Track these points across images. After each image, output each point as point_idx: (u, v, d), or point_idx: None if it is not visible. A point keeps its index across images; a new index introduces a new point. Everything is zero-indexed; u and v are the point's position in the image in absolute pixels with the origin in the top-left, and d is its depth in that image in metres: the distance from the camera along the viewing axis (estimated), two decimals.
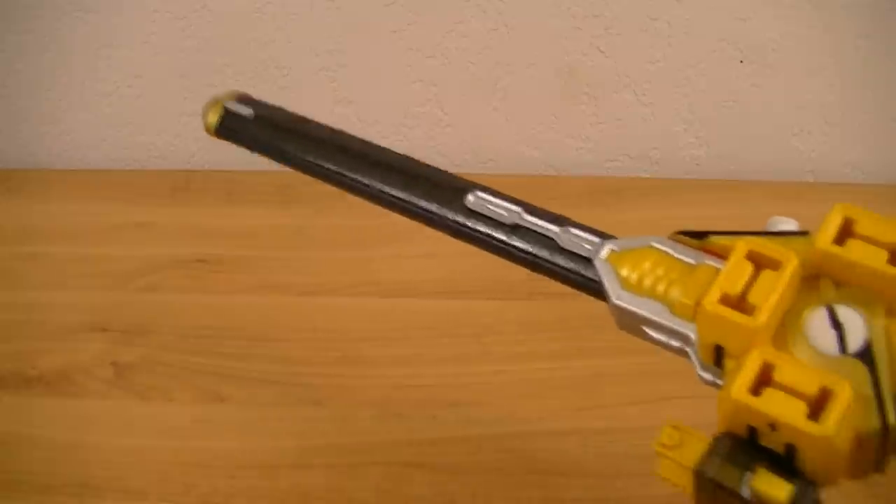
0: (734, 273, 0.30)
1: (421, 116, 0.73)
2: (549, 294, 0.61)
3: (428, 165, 0.37)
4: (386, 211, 0.37)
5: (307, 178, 0.39)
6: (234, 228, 0.69)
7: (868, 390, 0.28)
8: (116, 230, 0.70)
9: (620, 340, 0.62)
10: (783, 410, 0.27)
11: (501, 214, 0.35)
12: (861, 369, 0.28)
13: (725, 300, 0.29)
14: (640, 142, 0.73)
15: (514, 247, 0.35)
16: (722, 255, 0.31)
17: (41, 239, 0.70)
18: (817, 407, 0.27)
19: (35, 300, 0.65)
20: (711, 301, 0.29)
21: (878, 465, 0.28)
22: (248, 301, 0.64)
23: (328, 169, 0.38)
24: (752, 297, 0.29)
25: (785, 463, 0.27)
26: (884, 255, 0.29)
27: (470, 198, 0.36)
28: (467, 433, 0.55)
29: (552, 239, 0.34)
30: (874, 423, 0.27)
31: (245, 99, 0.41)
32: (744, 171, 0.72)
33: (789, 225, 0.32)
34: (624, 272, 0.32)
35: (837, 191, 0.68)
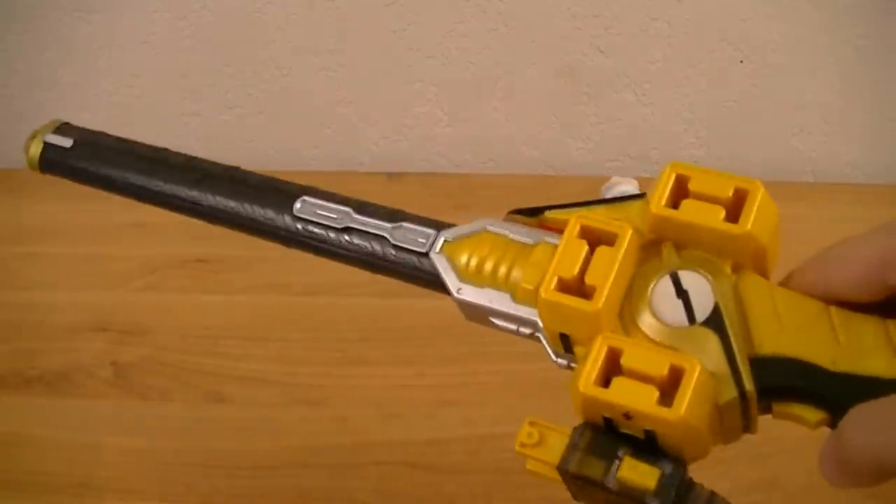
0: (568, 255, 0.28)
1: (421, 116, 0.73)
2: None
3: (254, 174, 0.36)
4: None
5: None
6: None
7: (722, 359, 0.27)
8: (116, 230, 0.70)
9: None
10: (634, 399, 0.26)
11: (331, 217, 0.34)
12: (712, 337, 0.27)
13: (562, 285, 0.28)
14: (640, 142, 0.73)
15: (346, 249, 0.34)
16: (562, 231, 0.29)
17: (41, 239, 0.70)
18: (669, 388, 0.26)
19: (35, 300, 0.65)
20: (547, 289, 0.28)
21: (747, 427, 0.28)
22: (248, 301, 0.64)
23: (152, 189, 0.37)
24: (590, 278, 0.28)
25: (648, 446, 0.27)
26: (720, 212, 0.28)
27: (297, 204, 0.34)
28: (466, 433, 0.55)
29: (384, 237, 0.33)
30: (731, 392, 0.26)
31: (65, 128, 0.39)
32: (744, 171, 0.72)
33: (627, 187, 0.31)
34: (462, 260, 0.31)
35: (837, 191, 0.68)
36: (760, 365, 0.27)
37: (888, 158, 0.72)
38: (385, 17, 0.69)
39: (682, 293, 0.28)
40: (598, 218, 0.29)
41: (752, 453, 0.51)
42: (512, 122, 0.73)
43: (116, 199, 0.72)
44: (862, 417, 0.25)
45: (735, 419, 0.27)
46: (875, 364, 0.26)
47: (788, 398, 0.27)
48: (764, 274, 0.28)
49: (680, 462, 0.26)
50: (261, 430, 0.56)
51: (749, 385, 0.26)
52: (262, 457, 0.55)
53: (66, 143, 0.39)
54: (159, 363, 0.60)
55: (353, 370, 0.59)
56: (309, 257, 0.67)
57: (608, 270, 0.28)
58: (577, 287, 0.28)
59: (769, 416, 0.28)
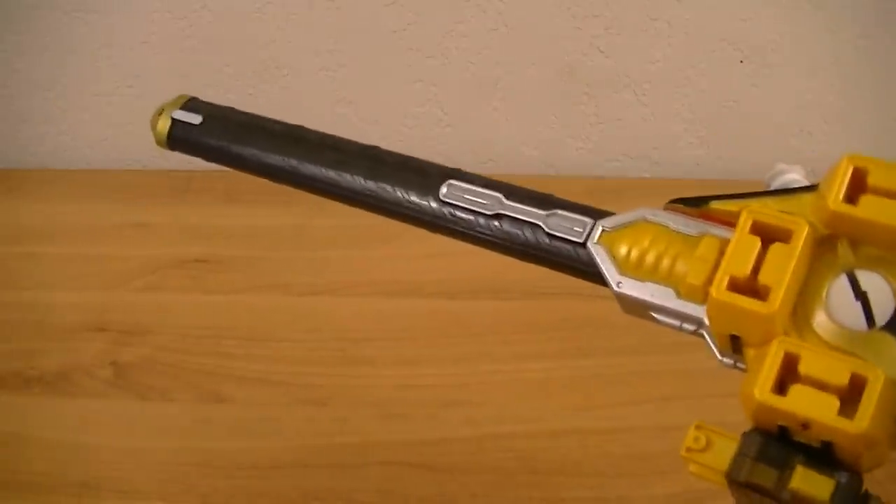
0: (740, 252, 0.27)
1: (421, 116, 0.73)
2: (549, 294, 0.61)
3: (396, 154, 0.34)
4: None
5: None
6: (234, 228, 0.69)
7: None
8: (116, 230, 0.70)
9: (620, 340, 0.62)
10: (813, 408, 0.24)
11: (480, 203, 0.32)
12: (893, 343, 0.25)
13: (734, 285, 0.26)
14: (640, 142, 0.73)
15: (497, 237, 0.32)
16: (725, 222, 0.28)
17: (41, 239, 0.70)
18: (850, 398, 0.24)
19: (35, 300, 0.65)
20: (719, 288, 0.26)
21: None
22: (248, 301, 0.64)
23: (287, 169, 0.35)
24: (764, 278, 0.26)
25: (823, 456, 0.25)
26: None
27: (443, 188, 0.33)
28: (467, 433, 0.55)
29: (538, 224, 0.31)
30: None
31: (193, 104, 0.38)
32: (744, 171, 0.72)
33: (794, 176, 0.29)
34: (622, 252, 0.30)
35: None
36: None
37: (888, 158, 0.71)
38: (385, 17, 0.69)
39: (860, 294, 0.26)
40: (770, 213, 0.27)
41: None
42: (512, 122, 0.73)
43: (116, 199, 0.72)
44: None
45: None
46: None
47: None
48: None
49: (855, 472, 0.25)
50: (261, 430, 0.56)
51: None
52: (262, 457, 0.55)
53: (195, 119, 0.37)
54: (159, 363, 0.60)
55: (354, 370, 0.59)
56: (309, 257, 0.67)
57: (783, 269, 0.26)
58: (750, 286, 0.26)
59: None
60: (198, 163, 0.39)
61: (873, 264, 0.27)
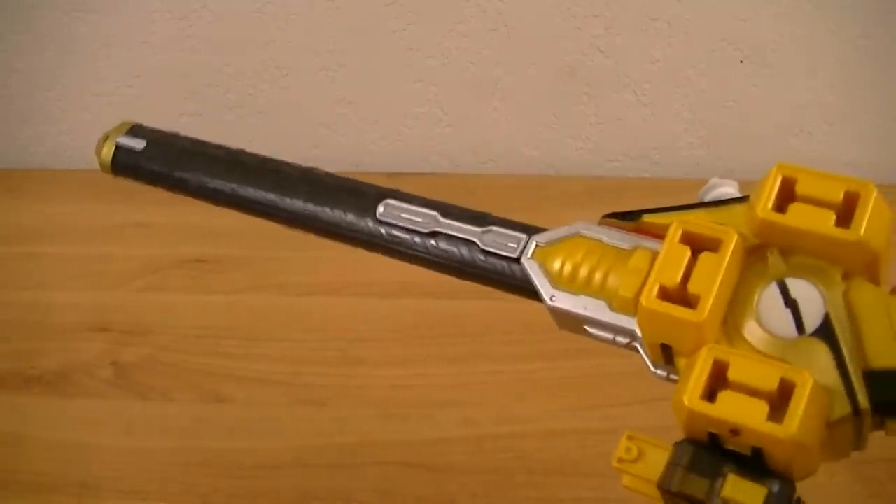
0: (670, 261, 0.27)
1: (421, 116, 0.73)
2: None
3: (333, 176, 0.35)
4: None
5: None
6: (234, 228, 0.69)
7: (833, 372, 0.25)
8: (116, 230, 0.70)
9: None
10: (742, 414, 0.25)
11: (416, 221, 0.33)
12: (822, 349, 0.26)
13: (664, 294, 0.27)
14: (640, 142, 0.73)
15: (434, 255, 0.32)
16: (659, 235, 0.28)
17: (41, 239, 0.70)
18: (779, 403, 0.25)
19: (35, 300, 0.65)
20: (649, 297, 0.27)
21: (858, 444, 0.26)
22: (248, 301, 0.64)
23: (227, 192, 0.36)
24: (693, 287, 0.26)
25: (754, 463, 0.25)
26: (830, 217, 0.26)
27: (380, 208, 0.33)
28: (466, 433, 0.55)
29: (473, 241, 0.32)
30: (844, 408, 0.25)
31: (137, 129, 0.38)
32: (744, 171, 0.72)
33: (727, 189, 0.29)
34: (556, 266, 0.30)
35: None
36: (875, 378, 0.25)
37: (888, 158, 0.72)
38: (385, 17, 0.69)
39: (790, 302, 0.26)
40: (700, 223, 0.27)
41: None
42: (512, 122, 0.73)
43: (116, 199, 0.72)
44: None
45: (846, 436, 0.26)
46: None
47: None
48: (875, 282, 0.27)
49: (787, 480, 0.25)
50: (261, 430, 0.56)
51: (863, 400, 0.25)
52: (262, 457, 0.55)
53: (139, 144, 0.38)
54: (159, 363, 0.60)
55: (354, 370, 0.59)
56: (309, 257, 0.67)
57: (713, 278, 0.26)
58: (680, 295, 0.27)
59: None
60: None
61: (804, 272, 0.27)
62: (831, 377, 0.25)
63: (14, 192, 0.74)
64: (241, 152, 0.37)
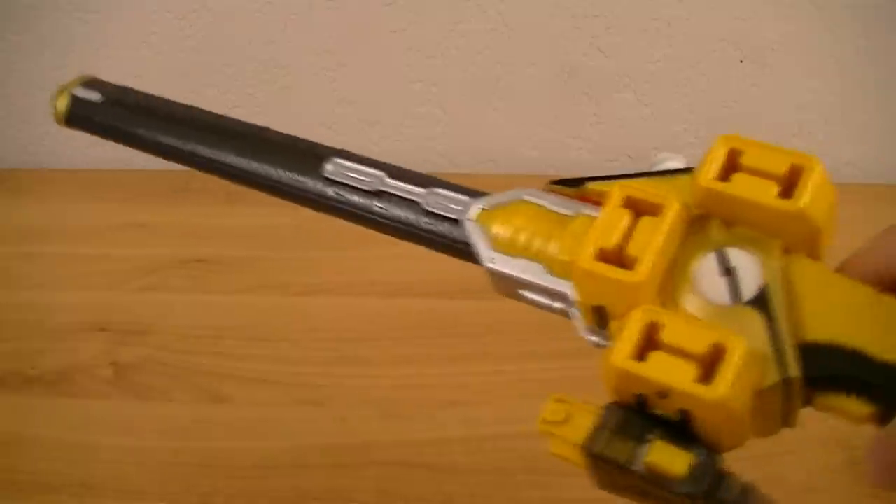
0: (610, 223, 0.27)
1: (421, 116, 0.73)
2: None
3: (284, 135, 0.35)
4: None
5: None
6: (234, 228, 0.69)
7: (766, 341, 0.25)
8: (116, 230, 0.70)
9: None
10: (670, 375, 0.24)
11: (362, 181, 0.33)
12: (757, 318, 0.25)
13: (602, 255, 0.26)
14: (640, 142, 0.73)
15: (377, 215, 0.32)
16: (602, 203, 0.28)
17: (41, 239, 0.70)
18: (709, 367, 0.24)
19: (35, 300, 0.65)
20: (586, 257, 0.26)
21: (786, 420, 0.26)
22: (248, 301, 0.64)
23: (179, 148, 0.36)
24: (632, 249, 0.26)
25: (682, 430, 0.25)
26: (774, 188, 0.26)
27: (328, 166, 0.33)
28: (466, 433, 0.55)
29: (416, 202, 0.32)
30: (774, 376, 0.25)
31: (93, 83, 0.38)
32: None
33: (675, 162, 0.29)
34: (497, 230, 0.30)
35: (837, 191, 0.68)
36: (808, 351, 0.25)
37: (888, 158, 0.72)
38: (385, 17, 0.69)
39: (728, 271, 0.26)
40: (642, 188, 0.27)
41: (754, 452, 0.51)
42: (512, 122, 0.73)
43: (116, 199, 0.72)
44: None
45: (775, 407, 0.25)
46: None
47: (834, 389, 0.25)
48: (816, 257, 0.27)
49: (714, 450, 0.25)
50: (261, 429, 0.56)
51: (794, 371, 0.25)
52: (262, 457, 0.55)
53: (95, 97, 0.38)
54: (159, 363, 0.60)
55: (353, 370, 0.59)
56: (309, 257, 0.67)
57: (652, 241, 0.26)
58: (618, 258, 0.26)
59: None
60: None
61: (744, 243, 0.27)
62: (764, 346, 0.25)
63: (14, 192, 0.74)
64: (195, 109, 0.37)
